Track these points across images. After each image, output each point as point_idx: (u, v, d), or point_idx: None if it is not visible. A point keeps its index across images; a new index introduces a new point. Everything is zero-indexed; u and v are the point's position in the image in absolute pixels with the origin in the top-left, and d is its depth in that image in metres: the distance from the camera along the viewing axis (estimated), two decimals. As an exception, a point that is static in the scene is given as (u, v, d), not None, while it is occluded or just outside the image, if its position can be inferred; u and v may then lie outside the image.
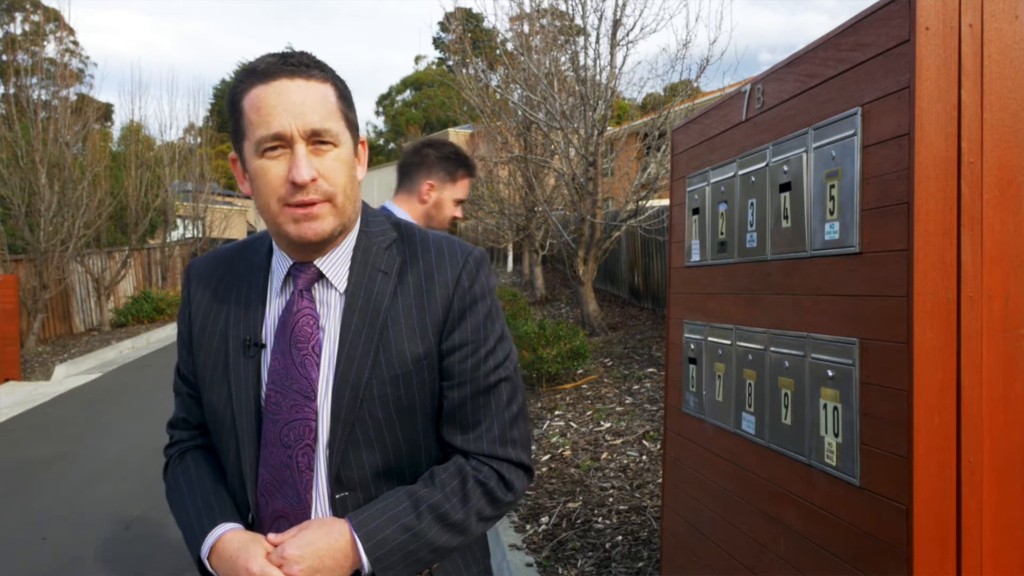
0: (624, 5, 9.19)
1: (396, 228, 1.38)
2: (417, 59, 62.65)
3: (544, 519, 4.48)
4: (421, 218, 2.73)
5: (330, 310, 1.30)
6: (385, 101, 58.42)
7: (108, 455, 6.80)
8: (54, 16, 21.15)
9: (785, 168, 2.02)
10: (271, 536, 1.23)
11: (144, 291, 17.44)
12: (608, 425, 6.08)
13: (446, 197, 2.75)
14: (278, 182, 1.21)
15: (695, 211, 2.63)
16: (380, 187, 39.53)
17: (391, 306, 1.29)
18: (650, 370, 7.53)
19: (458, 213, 2.82)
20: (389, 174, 40.07)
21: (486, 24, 17.32)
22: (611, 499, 4.66)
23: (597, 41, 9.41)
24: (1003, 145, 1.54)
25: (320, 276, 1.31)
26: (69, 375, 11.68)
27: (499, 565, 4.02)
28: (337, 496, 1.28)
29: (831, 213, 1.81)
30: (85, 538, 4.80)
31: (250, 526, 1.32)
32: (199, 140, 21.30)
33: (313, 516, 1.28)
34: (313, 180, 1.20)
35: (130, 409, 8.82)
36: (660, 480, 4.54)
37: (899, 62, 1.57)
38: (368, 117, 61.43)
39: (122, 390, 10.13)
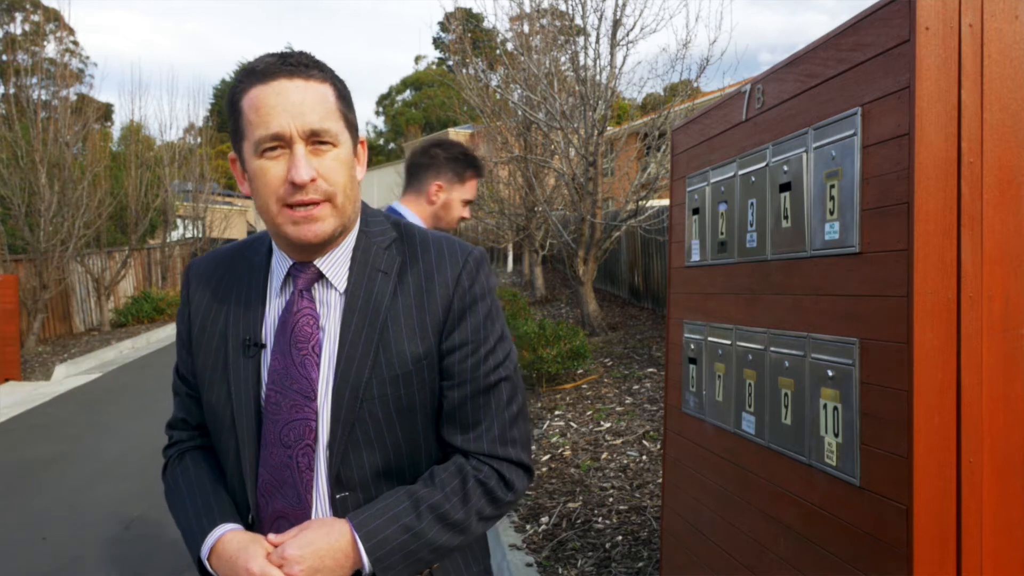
0: (624, 5, 9.19)
1: (396, 228, 1.38)
2: (417, 59, 62.68)
3: (544, 519, 4.48)
4: (429, 219, 2.72)
5: (330, 310, 1.30)
6: (385, 101, 58.44)
7: (108, 455, 6.80)
8: (54, 16, 21.16)
9: (785, 168, 2.02)
10: (271, 536, 1.23)
11: (144, 291, 17.44)
12: (608, 425, 6.08)
13: (455, 198, 2.74)
14: (277, 182, 1.21)
15: (695, 211, 2.63)
16: (380, 187, 39.54)
17: (391, 306, 1.29)
18: (650, 370, 7.53)
19: (466, 213, 2.81)
20: (389, 174, 40.13)
21: (486, 24, 17.33)
22: (611, 499, 4.66)
23: (597, 41, 9.42)
24: (1003, 145, 1.54)
25: (320, 276, 1.31)
26: (69, 375, 11.68)
27: (499, 565, 4.02)
28: (337, 496, 1.28)
29: (831, 213, 1.81)
30: (85, 538, 4.80)
31: (250, 527, 1.32)
32: (199, 140, 21.31)
33: (313, 516, 1.28)
34: (312, 180, 1.20)
35: (130, 409, 8.82)
36: (660, 480, 4.54)
37: (899, 62, 1.57)
38: (368, 117, 61.47)
39: (122, 390, 10.14)
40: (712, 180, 2.49)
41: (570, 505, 4.64)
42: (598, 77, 9.40)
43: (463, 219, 2.82)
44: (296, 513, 1.28)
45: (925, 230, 1.52)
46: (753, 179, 2.20)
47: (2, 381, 11.06)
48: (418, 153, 2.78)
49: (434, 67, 54.72)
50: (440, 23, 45.31)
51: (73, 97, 16.09)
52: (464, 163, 2.75)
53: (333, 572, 1.20)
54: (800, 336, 1.95)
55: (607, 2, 19.21)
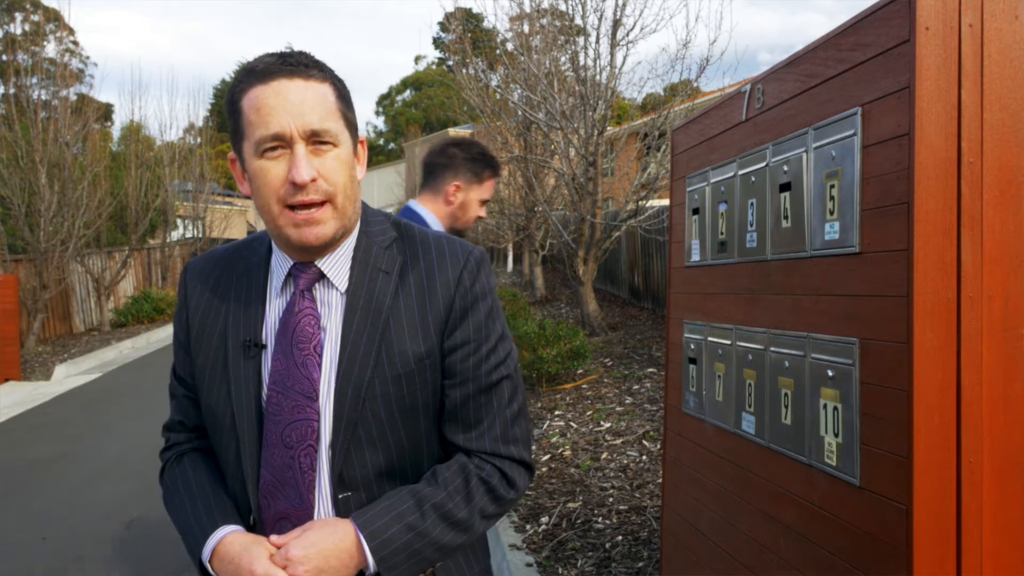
0: (624, 5, 9.19)
1: (396, 228, 1.38)
2: (417, 59, 62.67)
3: (544, 519, 4.48)
4: (446, 218, 2.71)
5: (331, 310, 1.30)
6: (385, 101, 58.44)
7: (108, 455, 6.80)
8: (54, 16, 21.18)
9: (785, 168, 2.02)
10: (274, 538, 1.23)
11: (144, 291, 17.44)
12: (608, 425, 6.08)
13: (472, 198, 2.73)
14: (278, 182, 1.21)
15: (695, 211, 2.63)
16: (380, 187, 39.53)
17: (393, 305, 1.29)
18: (650, 370, 7.53)
19: (483, 213, 2.80)
20: (389, 174, 40.08)
21: (486, 24, 17.33)
22: (611, 499, 4.66)
23: (597, 41, 9.42)
24: (1003, 145, 1.54)
25: (321, 276, 1.31)
26: (69, 375, 11.68)
27: (499, 565, 4.02)
28: (340, 496, 1.27)
29: (831, 213, 1.81)
30: (85, 538, 4.80)
31: (251, 528, 1.32)
32: (199, 140, 21.31)
33: (316, 517, 1.28)
34: (313, 180, 1.20)
35: (130, 409, 8.82)
36: (660, 480, 4.54)
37: (899, 62, 1.57)
38: (368, 117, 61.49)
39: (122, 390, 10.14)
40: (712, 180, 2.49)
41: (570, 505, 4.64)
42: (598, 77, 9.40)
43: (480, 218, 2.81)
44: (298, 514, 1.28)
45: (925, 230, 1.52)
46: (753, 179, 2.20)
47: (2, 381, 11.06)
48: (436, 152, 2.76)
49: (434, 67, 54.73)
50: (440, 23, 45.34)
51: (73, 97, 16.11)
52: (482, 163, 2.74)
53: (338, 572, 1.20)
54: (800, 336, 1.95)
55: (607, 2, 19.20)
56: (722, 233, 2.42)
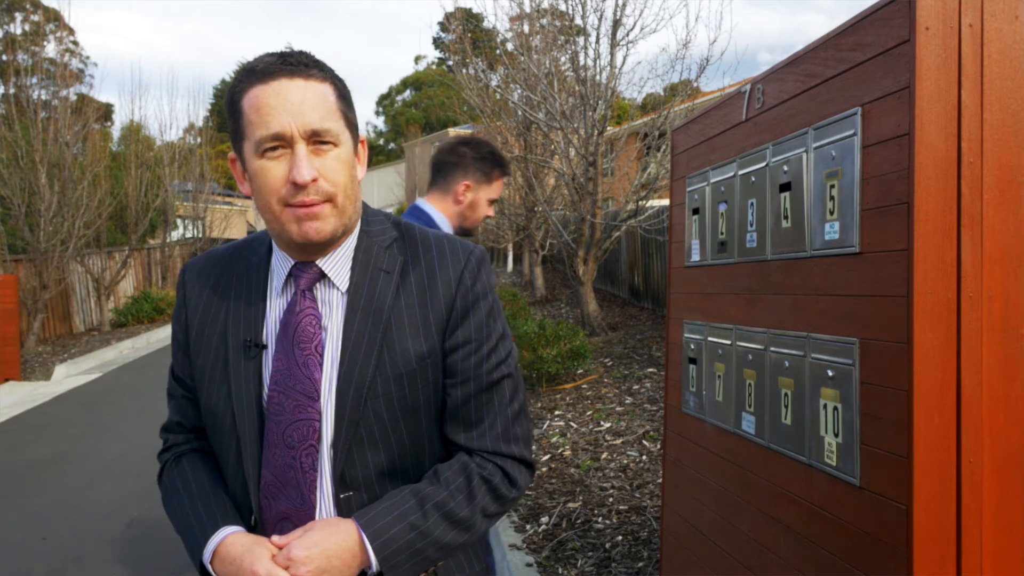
0: (624, 5, 9.19)
1: (396, 227, 1.38)
2: (417, 59, 62.69)
3: (544, 519, 4.48)
4: (455, 218, 2.70)
5: (332, 310, 1.30)
6: (385, 101, 58.44)
7: (108, 455, 6.80)
8: (54, 16, 21.18)
9: (785, 168, 2.02)
10: (275, 538, 1.22)
11: (144, 291, 17.44)
12: (608, 425, 6.08)
13: (481, 197, 2.71)
14: (279, 182, 1.21)
15: (695, 211, 2.63)
16: (380, 187, 39.54)
17: (394, 305, 1.29)
18: (650, 370, 7.53)
19: (491, 212, 2.78)
20: (389, 174, 40.06)
21: (486, 24, 17.34)
22: (611, 499, 4.66)
23: (597, 41, 9.41)
24: (1003, 145, 1.54)
25: (322, 276, 1.31)
26: (69, 375, 11.68)
27: (499, 565, 4.02)
28: (342, 496, 1.27)
29: (831, 213, 1.81)
30: (85, 538, 4.80)
31: (252, 529, 1.31)
32: (199, 140, 21.31)
33: (317, 517, 1.28)
34: (314, 180, 1.20)
35: (130, 409, 8.82)
36: (660, 480, 4.54)
37: (899, 62, 1.57)
38: (368, 117, 61.50)
39: (122, 390, 10.14)
40: (712, 180, 2.49)
41: (570, 505, 4.64)
42: (598, 77, 9.40)
43: (488, 217, 2.81)
44: (300, 514, 1.28)
45: (925, 230, 1.52)
46: (753, 179, 2.20)
47: (2, 381, 11.06)
48: (445, 151, 2.74)
49: (434, 67, 54.73)
50: (440, 23, 45.34)
51: (73, 97, 16.11)
52: (492, 162, 2.72)
53: (340, 572, 1.19)
54: (800, 336, 1.95)
55: (607, 2, 19.21)
56: (722, 233, 2.42)
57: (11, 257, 14.36)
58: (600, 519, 4.40)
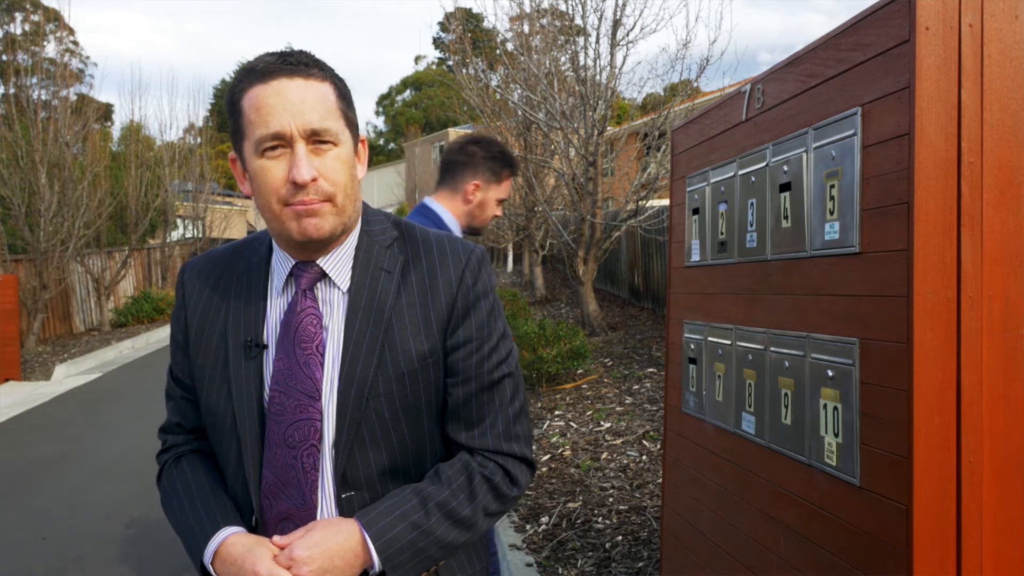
0: (624, 5, 9.19)
1: (397, 227, 1.38)
2: (417, 59, 62.70)
3: (544, 519, 4.48)
4: (463, 217, 2.68)
5: (333, 309, 1.30)
6: (385, 101, 58.45)
7: (108, 455, 6.80)
8: (54, 16, 21.18)
9: (785, 168, 2.02)
10: (277, 538, 1.22)
11: (144, 291, 17.44)
12: (608, 425, 6.08)
13: (490, 197, 2.70)
14: (278, 182, 1.21)
15: (695, 211, 2.63)
16: (380, 187, 39.54)
17: (395, 304, 1.30)
18: (650, 370, 7.53)
19: (500, 212, 2.77)
20: (389, 174, 40.04)
21: (486, 24, 17.34)
22: (611, 499, 4.67)
23: (597, 41, 9.42)
24: (1003, 145, 1.54)
25: (323, 275, 1.31)
26: (69, 375, 11.68)
27: (499, 565, 4.02)
28: (343, 496, 1.27)
29: (831, 213, 1.81)
30: (85, 538, 4.80)
31: (253, 529, 1.31)
32: (199, 140, 21.30)
33: (319, 517, 1.28)
34: (314, 180, 1.20)
35: (130, 409, 8.82)
36: (660, 480, 4.54)
37: (899, 62, 1.57)
38: (368, 117, 61.52)
39: (122, 390, 10.14)
40: (712, 180, 2.49)
41: (570, 505, 4.64)
42: (598, 77, 9.40)
43: (496, 217, 2.79)
44: (301, 514, 1.27)
45: (925, 230, 1.52)
46: (753, 179, 2.20)
47: (2, 381, 11.06)
48: (454, 150, 2.72)
49: (434, 67, 54.73)
50: (440, 23, 45.34)
51: (73, 97, 16.11)
52: (502, 162, 2.70)
53: (343, 572, 1.19)
54: (800, 336, 1.95)
55: (607, 2, 19.22)
56: (722, 233, 2.42)
57: (11, 257, 14.36)
58: (600, 519, 4.40)
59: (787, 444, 2.01)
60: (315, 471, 1.27)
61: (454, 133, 30.43)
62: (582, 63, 9.52)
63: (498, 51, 13.14)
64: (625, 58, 9.64)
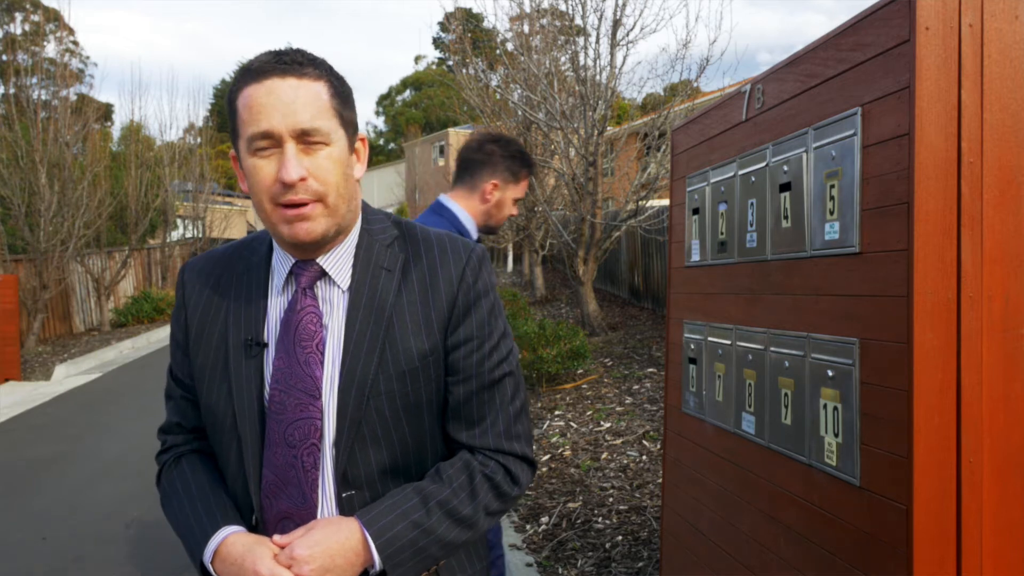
0: (624, 5, 9.19)
1: (397, 226, 1.38)
2: (417, 59, 62.69)
3: (544, 519, 4.48)
4: (480, 216, 2.67)
5: (333, 308, 1.30)
6: (385, 101, 58.45)
7: (108, 455, 6.80)
8: (54, 16, 21.19)
9: (785, 168, 2.02)
10: (277, 537, 1.22)
11: (144, 291, 17.44)
12: (608, 425, 6.08)
13: (508, 196, 2.68)
14: (269, 181, 1.21)
15: (695, 211, 2.63)
16: (380, 187, 39.54)
17: (396, 303, 1.29)
18: (650, 370, 7.53)
19: (516, 211, 2.75)
20: (389, 174, 40.04)
21: (486, 24, 17.34)
22: (611, 499, 4.67)
23: (597, 41, 9.42)
24: (1003, 145, 1.54)
25: (323, 274, 1.31)
26: (69, 375, 11.68)
27: (499, 565, 4.02)
28: (344, 495, 1.27)
29: (831, 213, 1.81)
30: (85, 538, 4.80)
31: (254, 528, 1.31)
32: (199, 140, 21.31)
33: (319, 516, 1.28)
34: (303, 179, 1.20)
35: (130, 409, 8.82)
36: (660, 480, 4.54)
37: (899, 62, 1.57)
38: (368, 117, 61.56)
39: (122, 390, 10.14)
40: (712, 180, 2.49)
41: (570, 505, 4.64)
42: (598, 77, 9.40)
43: (512, 216, 2.78)
44: (301, 513, 1.27)
45: (925, 230, 1.52)
46: (753, 179, 2.20)
47: (2, 381, 11.06)
48: (473, 148, 2.69)
49: (434, 67, 54.73)
50: (440, 23, 45.34)
51: (73, 97, 16.11)
52: (521, 162, 2.69)
53: (343, 571, 1.19)
54: (800, 336, 1.95)
55: (607, 2, 19.23)
56: (722, 233, 2.42)
57: (11, 257, 14.36)
58: (600, 519, 4.40)
59: (787, 444, 2.01)
60: (315, 470, 1.27)
61: (454, 133, 30.44)
62: (582, 63, 9.52)
63: (498, 51, 13.15)
64: (625, 58, 9.64)
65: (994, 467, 1.54)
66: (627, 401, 6.65)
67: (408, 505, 1.25)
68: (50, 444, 7.35)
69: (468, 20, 15.74)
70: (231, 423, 1.30)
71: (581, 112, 9.39)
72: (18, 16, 30.37)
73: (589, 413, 6.46)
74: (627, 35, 9.36)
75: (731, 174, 2.35)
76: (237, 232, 28.35)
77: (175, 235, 20.75)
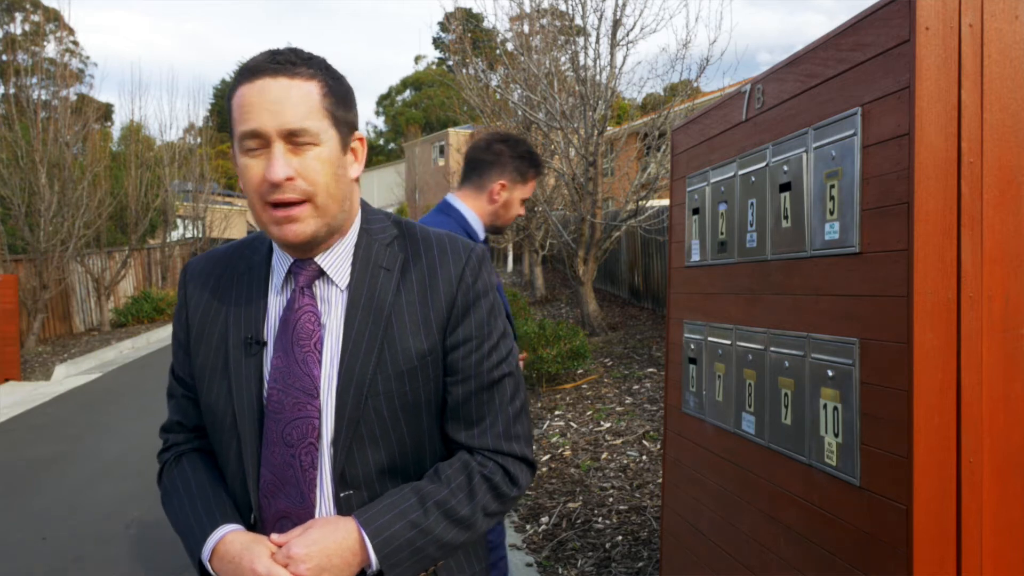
0: (624, 5, 9.20)
1: (396, 225, 1.38)
2: (417, 59, 62.70)
3: (544, 519, 4.48)
4: (487, 216, 2.65)
5: (331, 307, 1.30)
6: (385, 101, 58.46)
7: (108, 455, 6.80)
8: (54, 16, 21.19)
9: (785, 168, 2.02)
10: (275, 536, 1.22)
11: (144, 291, 17.44)
12: (608, 425, 6.08)
13: (515, 197, 2.67)
14: (257, 180, 1.21)
15: (695, 211, 2.63)
16: (380, 187, 39.55)
17: (394, 302, 1.29)
18: (650, 370, 7.53)
19: (523, 212, 2.74)
20: (389, 174, 40.05)
21: (486, 24, 17.34)
22: (611, 499, 4.67)
23: (597, 41, 9.42)
24: (1003, 145, 1.54)
25: (321, 273, 1.31)
26: (69, 375, 11.68)
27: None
28: (342, 495, 1.27)
29: (831, 213, 1.81)
30: (85, 538, 4.80)
31: (252, 527, 1.31)
32: (199, 140, 21.31)
33: (317, 515, 1.28)
34: (290, 179, 1.19)
35: (130, 409, 8.82)
36: (660, 480, 4.54)
37: (899, 62, 1.57)
38: (368, 117, 61.61)
39: (122, 390, 10.13)
40: (712, 180, 2.49)
41: (570, 505, 4.64)
42: (598, 77, 9.40)
43: (519, 216, 2.77)
44: (300, 512, 1.27)
45: (925, 230, 1.52)
46: (753, 179, 2.20)
47: (2, 381, 11.06)
48: (481, 148, 2.68)
49: (434, 67, 54.73)
50: (440, 23, 45.34)
51: (73, 97, 16.12)
52: (529, 162, 2.68)
53: (340, 571, 1.19)
54: (800, 336, 1.95)
55: (607, 2, 19.25)
56: (722, 233, 2.42)
57: (11, 257, 14.37)
58: (600, 519, 4.40)
59: (787, 444, 2.01)
60: (313, 469, 1.27)
61: (454, 133, 30.44)
62: (582, 63, 9.52)
63: (498, 51, 13.15)
64: (625, 58, 9.65)
65: (994, 467, 1.54)
66: (627, 401, 6.65)
67: (406, 505, 1.24)
68: (50, 444, 7.35)
69: (468, 20, 15.75)
70: (231, 422, 1.31)
71: (581, 112, 9.39)
72: (18, 16, 30.38)
73: (589, 413, 6.46)
74: (627, 35, 9.37)
75: (731, 174, 2.35)
76: (237, 232, 28.34)
77: (175, 235, 20.76)
